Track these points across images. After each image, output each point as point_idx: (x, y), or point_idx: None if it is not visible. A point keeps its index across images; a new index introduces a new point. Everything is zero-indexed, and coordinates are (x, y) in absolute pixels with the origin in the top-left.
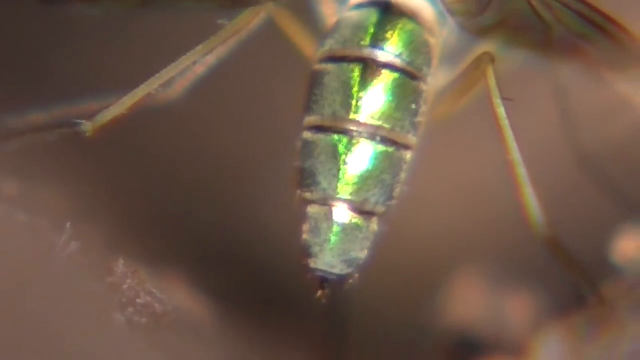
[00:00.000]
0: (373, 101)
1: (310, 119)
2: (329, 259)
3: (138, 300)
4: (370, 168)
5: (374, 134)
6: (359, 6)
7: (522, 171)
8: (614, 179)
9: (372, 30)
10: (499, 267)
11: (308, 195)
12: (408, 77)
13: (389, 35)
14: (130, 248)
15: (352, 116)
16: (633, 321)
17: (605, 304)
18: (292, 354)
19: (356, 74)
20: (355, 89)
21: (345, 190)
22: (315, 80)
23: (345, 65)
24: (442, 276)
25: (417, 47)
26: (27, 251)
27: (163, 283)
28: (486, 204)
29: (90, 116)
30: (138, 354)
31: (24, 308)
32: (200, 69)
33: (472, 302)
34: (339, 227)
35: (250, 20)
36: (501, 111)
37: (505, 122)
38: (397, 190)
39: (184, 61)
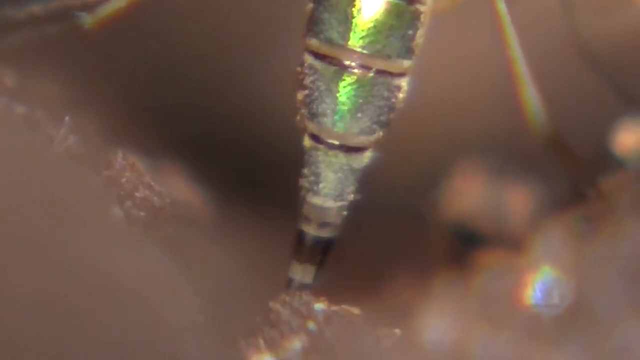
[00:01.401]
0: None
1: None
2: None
3: (136, 194)
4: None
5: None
6: None
7: (521, 68)
8: (614, 72)
9: None
10: (499, 160)
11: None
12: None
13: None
14: (129, 141)
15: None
16: (632, 218)
17: (605, 199)
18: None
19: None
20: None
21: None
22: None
23: None
24: (442, 169)
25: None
26: (25, 144)
27: (161, 175)
28: (486, 97)
29: (89, 8)
30: (136, 247)
31: (22, 201)
32: None
33: (471, 195)
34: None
35: None
36: (501, 6)
37: (505, 18)
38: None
39: None
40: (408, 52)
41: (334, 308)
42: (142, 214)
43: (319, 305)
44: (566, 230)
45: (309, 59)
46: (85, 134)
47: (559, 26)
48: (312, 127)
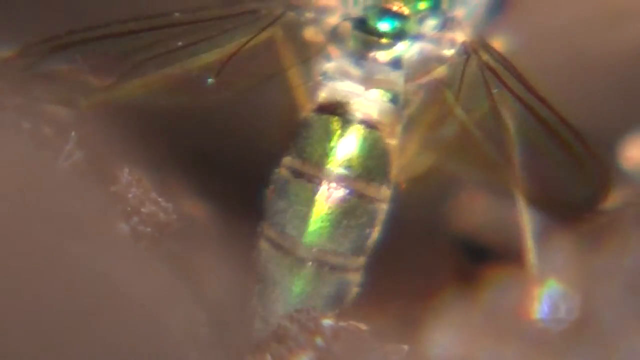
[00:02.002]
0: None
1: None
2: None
3: (142, 209)
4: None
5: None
6: (322, 110)
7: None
8: (621, 86)
9: (330, 146)
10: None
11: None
12: (363, 201)
13: (347, 155)
14: (135, 156)
15: (304, 240)
16: (637, 232)
17: (610, 213)
18: None
19: (313, 195)
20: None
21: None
22: (277, 189)
23: (304, 183)
24: (450, 183)
25: (375, 162)
26: (31, 159)
27: (167, 191)
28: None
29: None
30: (142, 262)
31: (28, 217)
32: None
33: (479, 209)
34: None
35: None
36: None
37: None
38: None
39: None
40: (363, 250)
41: (342, 324)
42: (148, 229)
43: (327, 321)
44: (572, 245)
45: (264, 245)
46: (92, 149)
47: (566, 38)
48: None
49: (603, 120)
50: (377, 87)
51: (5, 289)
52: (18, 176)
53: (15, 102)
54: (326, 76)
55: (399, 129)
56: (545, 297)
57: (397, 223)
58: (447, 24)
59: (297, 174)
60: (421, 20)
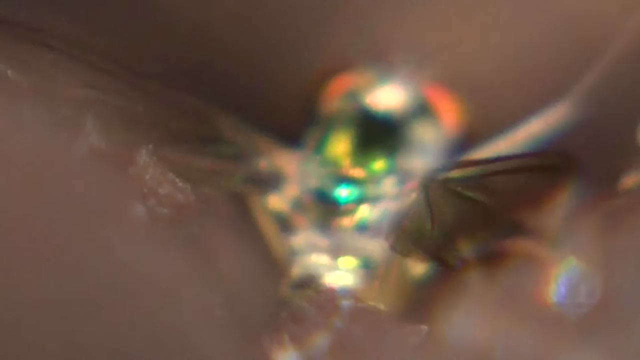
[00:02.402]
0: None
1: None
2: None
3: (160, 191)
4: None
5: None
6: (297, 287)
7: None
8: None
9: None
10: None
11: None
12: None
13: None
14: (153, 138)
15: None
16: None
17: (630, 194)
18: None
19: None
20: None
21: None
22: None
23: None
24: None
25: None
26: (48, 142)
27: (185, 172)
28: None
29: None
30: (159, 244)
31: (44, 199)
32: None
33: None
34: None
35: None
36: None
37: None
38: None
39: None
40: None
41: (360, 305)
42: (165, 211)
43: (345, 302)
44: (593, 225)
45: None
46: (108, 131)
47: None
48: None
49: (625, 102)
50: (347, 255)
51: (23, 274)
52: (34, 159)
53: (32, 81)
54: (294, 251)
55: (378, 290)
56: (563, 280)
57: None
58: (405, 178)
59: None
60: (379, 181)
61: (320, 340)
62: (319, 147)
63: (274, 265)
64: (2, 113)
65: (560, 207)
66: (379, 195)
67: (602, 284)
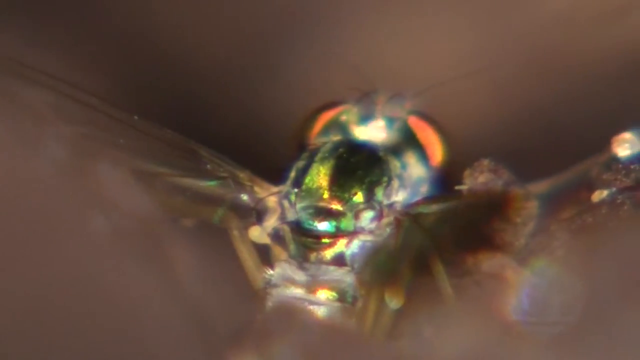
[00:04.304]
0: None
1: None
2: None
3: (122, 205)
4: None
5: None
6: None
7: None
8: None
9: None
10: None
11: None
12: None
13: None
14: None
15: None
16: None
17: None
18: None
19: None
20: None
21: None
22: None
23: None
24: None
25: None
26: (12, 154)
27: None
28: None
29: None
30: (120, 256)
31: (7, 213)
32: None
33: None
34: None
35: None
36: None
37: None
38: None
39: None
40: None
41: (324, 319)
42: (128, 224)
43: (309, 315)
44: (566, 239)
45: None
46: (72, 143)
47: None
48: None
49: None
50: (324, 289)
51: None
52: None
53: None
54: (271, 284)
55: (355, 321)
56: (525, 297)
57: None
58: (383, 212)
59: None
60: (357, 215)
61: (284, 349)
62: (300, 180)
63: (239, 281)
64: None
65: (526, 226)
66: (357, 229)
67: (576, 301)
